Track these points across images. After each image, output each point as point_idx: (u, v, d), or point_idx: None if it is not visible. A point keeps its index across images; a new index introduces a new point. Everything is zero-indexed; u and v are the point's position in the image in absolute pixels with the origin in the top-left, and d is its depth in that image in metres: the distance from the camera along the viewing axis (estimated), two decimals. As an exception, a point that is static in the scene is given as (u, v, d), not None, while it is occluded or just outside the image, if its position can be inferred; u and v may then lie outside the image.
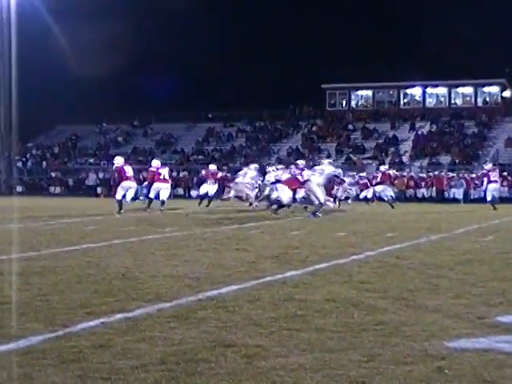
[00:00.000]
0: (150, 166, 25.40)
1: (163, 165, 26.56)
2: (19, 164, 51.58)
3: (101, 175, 46.99)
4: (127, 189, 22.44)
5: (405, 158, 46.42)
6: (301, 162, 25.48)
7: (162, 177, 24.62)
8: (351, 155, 47.64)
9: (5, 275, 8.41)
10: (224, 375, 4.50)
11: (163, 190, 24.51)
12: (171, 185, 27.13)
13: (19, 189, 46.39)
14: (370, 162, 45.95)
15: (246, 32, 60.93)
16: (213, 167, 29.34)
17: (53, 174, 49.60)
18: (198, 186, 33.00)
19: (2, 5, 45.09)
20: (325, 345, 5.23)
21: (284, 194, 21.51)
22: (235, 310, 6.47)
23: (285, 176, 22.89)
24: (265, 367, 4.66)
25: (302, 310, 6.45)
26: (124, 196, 22.35)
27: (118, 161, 22.79)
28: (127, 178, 22.48)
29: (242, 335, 5.50)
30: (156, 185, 24.49)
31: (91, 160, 52.66)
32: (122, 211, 21.39)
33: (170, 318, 6.08)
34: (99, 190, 45.20)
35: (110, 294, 7.25)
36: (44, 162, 53.08)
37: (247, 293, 7.36)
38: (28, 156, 54.68)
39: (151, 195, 24.58)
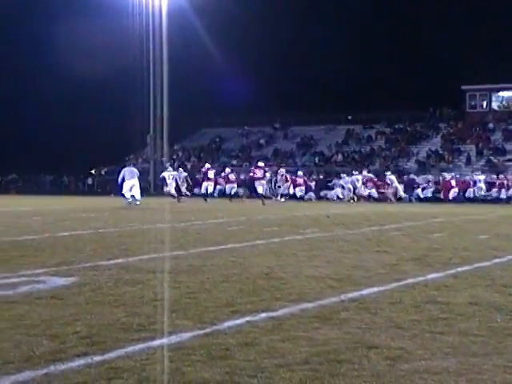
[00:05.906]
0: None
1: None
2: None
3: (242, 176, 47.75)
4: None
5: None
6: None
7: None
8: (491, 157, 46.21)
9: (156, 273, 8.82)
10: (367, 377, 4.56)
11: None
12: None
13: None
14: (510, 164, 44.51)
15: (386, 33, 60.19)
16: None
17: (197, 176, 50.90)
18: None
19: (154, 10, 46.36)
20: (468, 349, 5.19)
21: None
22: (377, 311, 6.50)
23: None
24: (408, 370, 4.69)
25: (444, 313, 6.41)
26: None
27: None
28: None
29: (385, 337, 5.54)
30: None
31: (234, 161, 53.68)
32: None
33: (313, 318, 6.19)
34: (241, 191, 45.85)
35: (255, 293, 7.44)
36: (188, 164, 54.54)
37: (388, 295, 7.37)
38: (174, 158, 56.42)
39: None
